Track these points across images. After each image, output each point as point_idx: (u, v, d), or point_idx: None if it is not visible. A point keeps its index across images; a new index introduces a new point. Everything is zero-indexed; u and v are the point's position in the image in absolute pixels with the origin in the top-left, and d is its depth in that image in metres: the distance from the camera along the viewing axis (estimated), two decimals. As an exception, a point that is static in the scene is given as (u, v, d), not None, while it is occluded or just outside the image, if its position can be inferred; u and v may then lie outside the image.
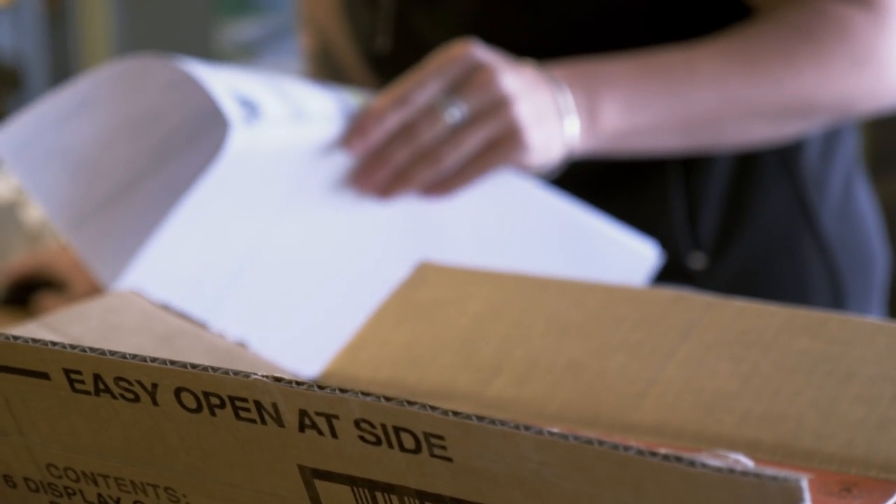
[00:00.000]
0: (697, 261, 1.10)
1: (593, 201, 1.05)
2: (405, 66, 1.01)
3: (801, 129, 1.08)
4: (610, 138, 1.01)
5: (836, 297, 1.13)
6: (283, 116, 0.93)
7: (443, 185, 0.97)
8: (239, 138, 0.89)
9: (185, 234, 0.92)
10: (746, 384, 0.65)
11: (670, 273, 1.08)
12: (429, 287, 0.76)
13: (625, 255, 1.02)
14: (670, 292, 0.72)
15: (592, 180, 1.09)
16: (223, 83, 0.91)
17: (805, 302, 1.10)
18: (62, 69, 3.84)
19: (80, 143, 0.95)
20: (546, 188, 1.01)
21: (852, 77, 1.04)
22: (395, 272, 0.82)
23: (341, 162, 0.96)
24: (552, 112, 0.98)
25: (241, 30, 2.27)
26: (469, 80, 0.96)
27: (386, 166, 0.95)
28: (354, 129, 0.95)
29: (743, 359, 0.66)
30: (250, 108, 0.91)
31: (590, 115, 1.00)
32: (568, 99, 0.99)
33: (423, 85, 0.96)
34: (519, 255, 1.00)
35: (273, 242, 0.96)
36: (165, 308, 0.74)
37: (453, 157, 0.95)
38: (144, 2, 2.12)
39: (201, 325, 0.74)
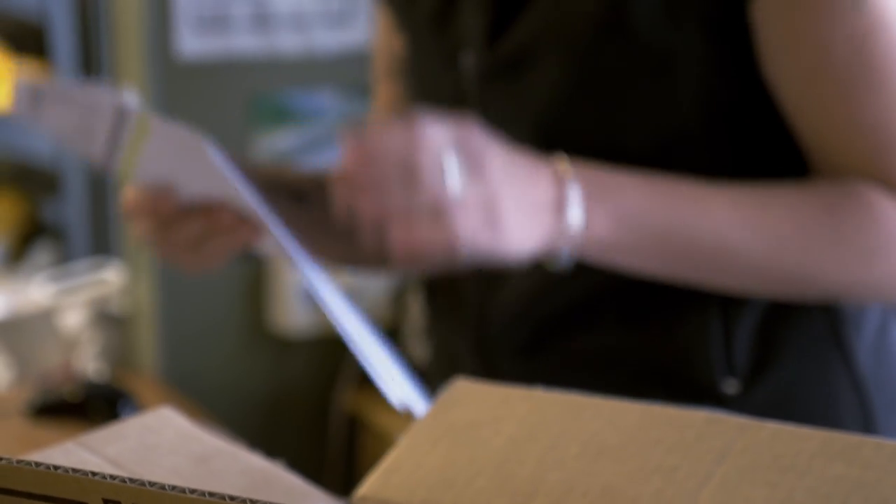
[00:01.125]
0: (731, 386, 1.09)
1: (631, 322, 1.05)
2: None
3: (797, 298, 1.07)
4: (595, 246, 1.00)
5: (867, 430, 1.12)
6: None
7: None
8: None
9: None
10: (782, 511, 0.64)
11: (703, 397, 1.08)
12: (463, 407, 0.76)
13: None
14: (704, 414, 0.72)
15: (631, 300, 1.09)
16: None
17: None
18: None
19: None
20: None
21: (865, 264, 1.02)
22: None
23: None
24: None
25: (279, 139, 2.29)
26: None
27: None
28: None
29: (778, 484, 0.66)
30: None
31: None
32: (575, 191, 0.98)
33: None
34: None
35: None
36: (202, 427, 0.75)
37: None
38: (180, 112, 2.15)
39: (237, 446, 0.74)
